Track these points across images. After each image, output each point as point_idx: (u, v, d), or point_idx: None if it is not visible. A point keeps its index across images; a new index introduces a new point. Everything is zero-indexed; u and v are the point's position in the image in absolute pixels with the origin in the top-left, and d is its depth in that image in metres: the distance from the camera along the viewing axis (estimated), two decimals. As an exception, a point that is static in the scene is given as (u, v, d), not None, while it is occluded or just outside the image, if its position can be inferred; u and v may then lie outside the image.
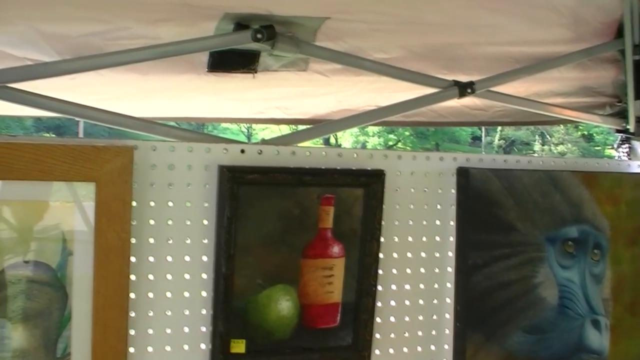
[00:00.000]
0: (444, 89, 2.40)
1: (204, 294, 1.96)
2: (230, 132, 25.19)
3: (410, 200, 2.20)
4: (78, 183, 1.79)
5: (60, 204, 1.79)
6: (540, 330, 2.28)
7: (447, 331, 2.28)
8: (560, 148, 29.63)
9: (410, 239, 2.21)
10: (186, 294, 1.95)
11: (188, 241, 1.93)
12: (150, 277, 1.91)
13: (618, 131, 2.80)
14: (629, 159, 2.73)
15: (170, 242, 1.92)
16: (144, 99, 2.64)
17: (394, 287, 2.20)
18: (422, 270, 2.24)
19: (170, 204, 1.91)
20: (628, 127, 2.73)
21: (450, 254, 2.26)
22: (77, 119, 2.03)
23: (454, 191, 2.25)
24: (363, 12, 2.08)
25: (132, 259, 1.86)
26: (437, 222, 2.25)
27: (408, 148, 25.61)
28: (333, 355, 2.10)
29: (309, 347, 2.06)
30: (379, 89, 2.63)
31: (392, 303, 2.20)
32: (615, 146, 2.83)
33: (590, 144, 29.25)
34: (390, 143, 28.80)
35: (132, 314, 1.89)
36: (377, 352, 2.18)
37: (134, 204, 1.84)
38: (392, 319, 2.21)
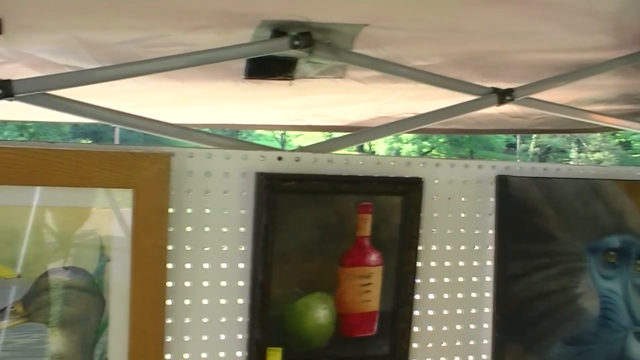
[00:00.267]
0: (483, 96, 2.37)
1: (240, 301, 1.95)
2: (265, 138, 25.30)
3: (448, 208, 2.17)
4: (116, 189, 1.79)
5: (98, 210, 1.80)
6: (581, 342, 2.24)
7: (485, 341, 2.24)
8: (597, 155, 29.32)
9: (448, 247, 2.18)
10: (223, 301, 1.94)
11: (225, 248, 1.93)
12: (187, 284, 1.90)
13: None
14: (671, 167, 2.68)
15: (207, 249, 1.91)
16: (180, 106, 2.65)
17: (431, 296, 2.17)
18: (460, 279, 2.21)
19: (207, 211, 1.90)
20: (670, 134, 2.68)
21: (489, 263, 2.23)
22: (115, 125, 2.04)
23: (492, 199, 2.21)
24: (402, 20, 2.06)
25: (169, 265, 1.85)
26: (476, 231, 2.22)
27: (442, 155, 25.52)
28: (370, 365, 2.08)
29: (345, 356, 2.04)
30: (417, 97, 2.62)
31: (430, 312, 2.18)
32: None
33: (628, 152, 28.91)
34: (425, 150, 28.73)
35: (169, 321, 1.88)
36: (414, 361, 2.16)
37: (171, 210, 1.83)
38: (430, 328, 2.18)
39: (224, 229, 1.92)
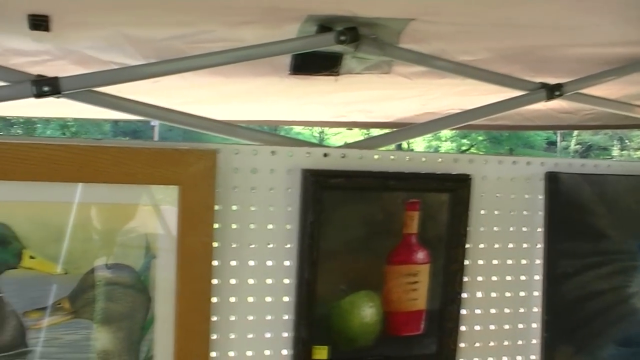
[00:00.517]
0: (531, 91, 2.33)
1: (286, 299, 1.94)
2: (302, 136, 25.32)
3: (496, 206, 2.14)
4: (161, 186, 1.78)
5: (143, 207, 1.79)
6: (634, 343, 2.18)
7: (534, 341, 2.20)
8: (640, 153, 28.91)
9: (496, 245, 2.14)
10: (268, 299, 1.93)
11: (270, 245, 1.91)
12: (233, 281, 1.89)
13: None
14: None
15: (253, 246, 1.90)
16: (224, 102, 2.64)
17: (479, 294, 2.14)
18: (509, 277, 2.17)
19: (253, 208, 1.89)
20: None
21: (538, 261, 2.19)
22: (160, 122, 2.04)
23: (541, 197, 2.17)
24: (450, 14, 2.02)
25: (215, 263, 1.84)
26: (524, 229, 2.17)
27: (481, 153, 25.34)
28: (417, 364, 2.05)
29: (392, 355, 2.01)
30: (463, 92, 2.58)
31: (478, 311, 2.14)
32: None
33: (671, 149, 28.45)
34: (464, 148, 28.53)
35: (214, 318, 1.87)
36: (461, 361, 2.13)
37: (216, 207, 1.82)
38: (478, 327, 2.15)
39: (270, 226, 1.90)
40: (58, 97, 1.84)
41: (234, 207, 1.87)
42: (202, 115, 2.00)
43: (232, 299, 1.90)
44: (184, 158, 1.76)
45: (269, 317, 1.94)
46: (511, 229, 2.16)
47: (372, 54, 2.07)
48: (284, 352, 1.95)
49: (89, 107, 1.96)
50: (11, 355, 1.75)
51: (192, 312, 1.82)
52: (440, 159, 2.07)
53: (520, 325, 2.20)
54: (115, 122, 21.99)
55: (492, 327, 2.17)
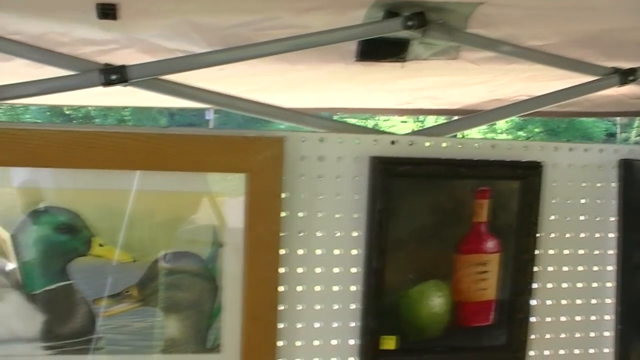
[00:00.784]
0: (604, 76, 2.25)
1: (353, 288, 1.92)
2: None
3: (568, 194, 2.08)
4: (229, 174, 1.78)
5: (210, 195, 1.79)
6: None
7: (607, 333, 2.15)
8: None
9: (567, 235, 2.09)
10: (335, 288, 1.91)
11: (338, 234, 1.89)
12: (300, 270, 1.88)
13: None
14: None
15: (320, 234, 1.88)
16: (289, 89, 2.62)
17: (550, 285, 2.09)
18: (580, 268, 2.12)
19: (320, 196, 1.87)
20: None
21: (611, 251, 2.13)
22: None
23: (614, 185, 2.11)
24: (521, -3, 1.98)
25: (282, 251, 1.83)
26: (597, 218, 2.11)
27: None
28: (486, 355, 2.01)
29: (461, 346, 1.99)
30: (531, 78, 2.51)
31: (548, 302, 2.09)
32: None
33: None
34: (520, 140, 28.15)
35: (282, 307, 1.86)
36: (531, 353, 2.08)
37: (283, 195, 1.81)
38: (548, 318, 2.10)
39: (337, 215, 1.88)
40: (125, 86, 1.84)
41: (301, 195, 1.86)
42: (268, 103, 1.98)
43: (299, 288, 1.89)
44: (251, 145, 1.75)
45: (336, 307, 1.92)
46: (582, 218, 2.11)
47: (439, 39, 2.02)
48: (351, 342, 1.94)
49: (151, 95, 1.96)
50: (81, 341, 1.77)
51: (260, 300, 1.81)
52: (509, 146, 2.03)
53: (593, 317, 2.15)
54: (172, 116, 22.22)
55: (563, 318, 2.12)
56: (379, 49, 2.13)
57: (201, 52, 1.97)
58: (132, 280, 1.77)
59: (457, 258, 1.94)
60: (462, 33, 2.07)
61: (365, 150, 1.89)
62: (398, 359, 1.94)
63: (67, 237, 1.72)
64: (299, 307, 1.89)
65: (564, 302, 2.11)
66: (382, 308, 1.89)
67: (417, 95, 2.88)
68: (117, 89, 1.88)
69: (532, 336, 2.07)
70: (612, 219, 2.12)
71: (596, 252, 2.13)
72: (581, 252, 2.12)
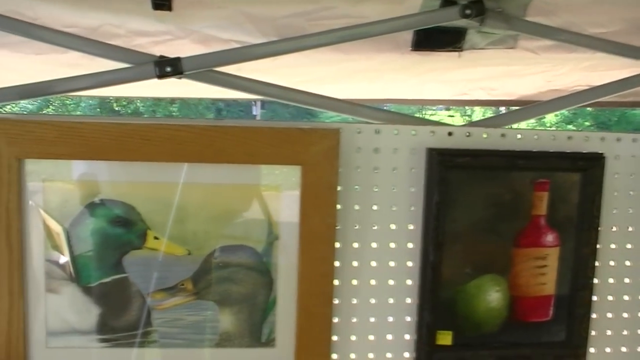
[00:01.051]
0: (668, 65, 2.19)
1: (409, 282, 1.89)
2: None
3: (631, 186, 2.01)
4: (284, 166, 1.76)
5: (265, 187, 1.77)
6: None
7: (670, 330, 2.09)
8: None
9: (630, 228, 2.02)
10: (391, 282, 1.88)
11: (393, 227, 1.86)
12: (355, 263, 1.86)
13: None
14: None
15: (375, 227, 1.86)
16: (343, 80, 2.59)
17: (611, 280, 2.03)
18: (643, 262, 2.06)
19: (376, 188, 1.84)
20: None
21: (676, 246, 2.06)
22: (281, 101, 2.01)
23: (681, 176, 2.05)
24: (582, -18, 1.93)
25: (337, 244, 1.81)
26: (662, 211, 2.05)
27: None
28: (545, 352, 1.96)
29: (519, 342, 1.94)
30: (591, 67, 2.45)
31: (610, 298, 2.03)
32: None
33: None
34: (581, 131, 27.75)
35: (336, 301, 1.85)
36: (592, 350, 2.03)
37: (339, 188, 1.78)
38: (609, 315, 2.04)
39: (393, 207, 1.85)
40: (180, 78, 1.84)
41: (357, 188, 1.83)
42: (322, 94, 1.96)
43: (354, 282, 1.87)
44: (306, 137, 1.73)
45: (391, 301, 1.89)
46: (646, 211, 2.05)
47: (497, 28, 1.98)
48: (407, 336, 1.91)
49: (201, 86, 1.95)
50: (137, 334, 1.77)
51: (315, 295, 1.79)
52: (569, 137, 1.97)
53: (656, 313, 2.09)
54: (219, 112, 22.35)
55: (625, 315, 2.06)
56: (435, 38, 2.10)
57: (256, 43, 1.95)
58: (186, 273, 1.76)
59: (515, 252, 1.90)
60: (520, 21, 2.02)
61: (421, 141, 1.85)
62: (454, 354, 1.90)
63: (123, 230, 1.72)
64: (354, 301, 1.87)
65: (626, 298, 2.05)
66: (438, 302, 1.86)
67: (473, 86, 2.83)
68: (169, 79, 1.87)
69: (593, 333, 2.02)
70: (677, 211, 2.06)
71: (660, 246, 2.06)
72: (644, 246, 2.05)
